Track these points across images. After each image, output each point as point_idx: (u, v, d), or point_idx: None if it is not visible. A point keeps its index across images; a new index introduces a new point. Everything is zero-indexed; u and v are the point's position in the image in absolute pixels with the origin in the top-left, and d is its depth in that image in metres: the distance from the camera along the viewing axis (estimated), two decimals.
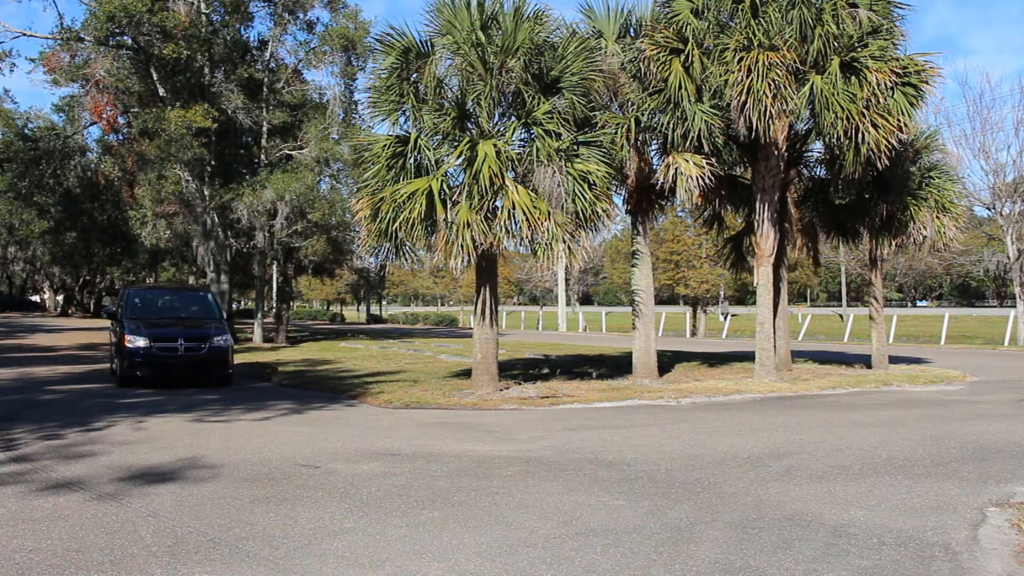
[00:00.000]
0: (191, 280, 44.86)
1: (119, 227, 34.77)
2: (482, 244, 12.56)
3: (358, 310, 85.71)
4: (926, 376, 16.32)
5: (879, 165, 13.92)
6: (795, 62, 13.46)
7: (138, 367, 14.30)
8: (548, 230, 12.48)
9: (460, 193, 12.94)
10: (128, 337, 14.40)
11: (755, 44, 13.21)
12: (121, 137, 31.51)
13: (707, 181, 13.74)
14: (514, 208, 12.58)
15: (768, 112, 12.94)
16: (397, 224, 12.57)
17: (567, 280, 54.03)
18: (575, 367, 17.95)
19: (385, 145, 13.05)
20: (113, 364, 16.00)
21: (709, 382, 14.80)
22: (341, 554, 4.89)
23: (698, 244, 42.88)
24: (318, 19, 31.86)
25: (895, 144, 13.70)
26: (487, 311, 13.57)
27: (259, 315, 31.56)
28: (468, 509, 5.92)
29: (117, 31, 25.53)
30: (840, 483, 6.75)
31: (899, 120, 13.45)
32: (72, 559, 4.78)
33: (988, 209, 31.87)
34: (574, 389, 13.65)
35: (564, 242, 12.58)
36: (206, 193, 27.87)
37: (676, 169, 13.67)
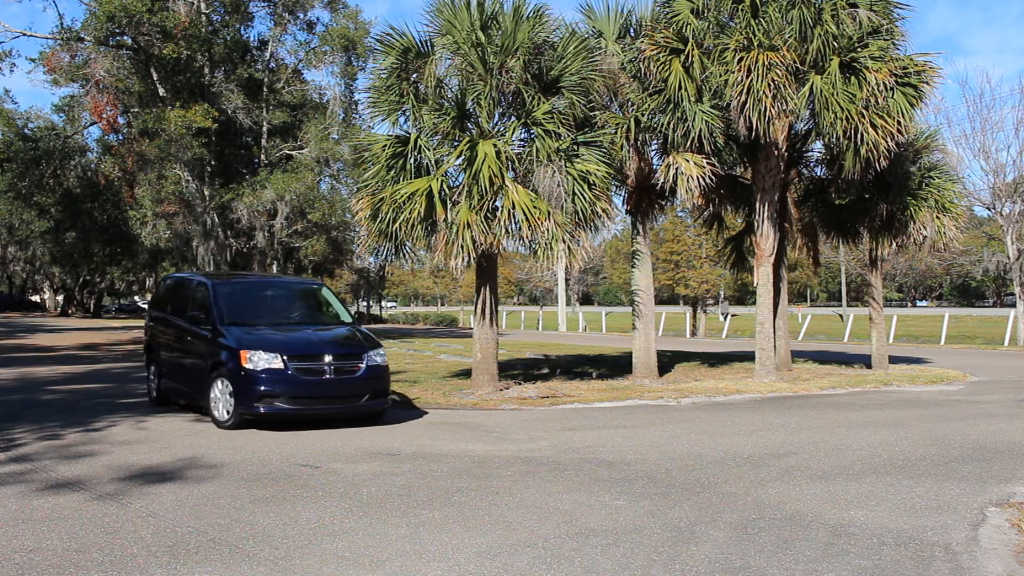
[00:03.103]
0: None
1: (119, 227, 34.76)
2: (482, 244, 12.56)
3: (358, 310, 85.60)
4: (926, 376, 16.32)
5: (879, 165, 13.92)
6: (795, 62, 13.46)
7: (266, 399, 9.47)
8: (548, 230, 12.48)
9: (460, 193, 12.94)
10: (247, 354, 9.58)
11: (755, 44, 13.21)
12: (121, 137, 31.51)
13: (707, 181, 13.73)
14: (514, 208, 12.58)
15: (768, 112, 12.94)
16: (397, 224, 12.57)
17: (567, 280, 54.01)
18: (575, 367, 17.94)
19: (385, 145, 13.05)
20: (154, 382, 11.99)
21: (709, 382, 14.80)
22: (341, 554, 4.89)
23: (698, 244, 42.88)
24: (318, 19, 31.91)
25: (895, 144, 13.70)
26: (487, 311, 13.57)
27: None
28: (468, 509, 5.92)
29: (117, 31, 25.54)
30: (840, 483, 6.75)
31: (899, 120, 13.45)
32: (72, 559, 4.78)
33: (988, 209, 31.85)
34: (574, 389, 13.64)
35: (564, 242, 12.58)
36: (206, 193, 27.88)
37: (677, 169, 13.66)
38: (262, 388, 9.47)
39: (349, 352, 10.17)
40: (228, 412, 9.69)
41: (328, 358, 9.93)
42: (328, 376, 9.87)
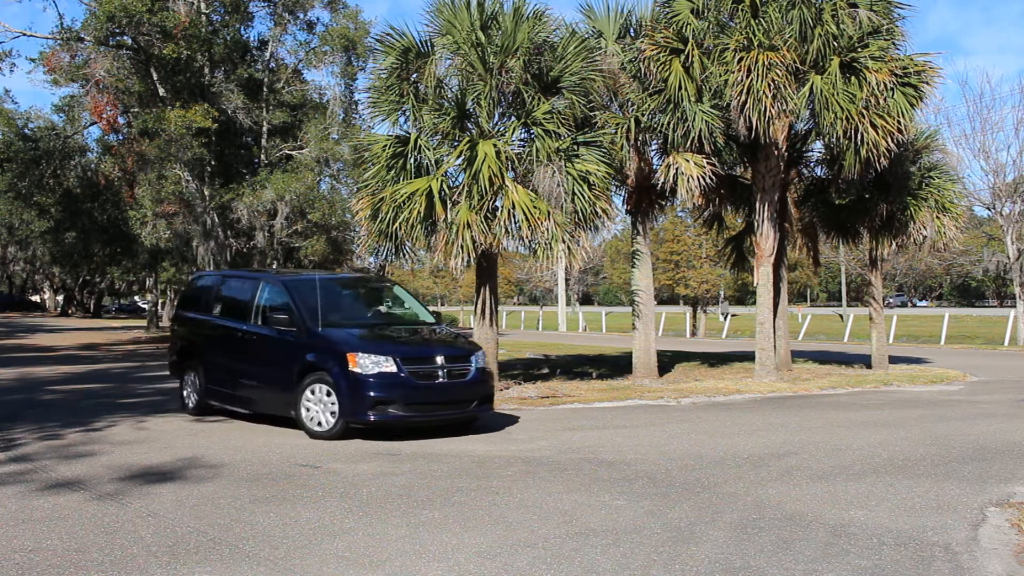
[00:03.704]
0: None
1: (119, 227, 34.72)
2: (482, 244, 12.57)
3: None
4: (926, 376, 16.32)
5: (879, 165, 13.93)
6: (795, 62, 13.46)
7: (379, 406, 8.78)
8: (548, 230, 12.48)
9: (460, 193, 12.94)
10: (356, 357, 8.82)
11: (755, 44, 13.21)
12: (121, 137, 31.49)
13: (707, 181, 13.73)
14: (514, 208, 12.58)
15: (768, 112, 12.95)
16: (397, 224, 12.57)
17: (567, 280, 54.01)
18: (575, 367, 17.94)
19: (385, 145, 13.05)
20: (192, 390, 10.91)
21: (709, 382, 14.80)
22: (341, 554, 4.89)
23: (698, 244, 42.87)
24: (318, 19, 31.87)
25: (895, 144, 13.71)
26: (487, 311, 13.57)
27: None
28: (468, 509, 5.92)
29: (117, 31, 25.52)
30: (840, 483, 6.75)
31: (899, 120, 13.46)
32: (72, 559, 4.78)
33: (988, 209, 31.85)
34: (574, 389, 13.64)
35: (564, 242, 12.59)
36: (206, 193, 27.87)
37: (677, 169, 13.67)
38: (374, 394, 8.71)
39: (458, 354, 9.55)
40: (328, 422, 8.87)
41: (440, 360, 9.28)
42: (441, 380, 9.18)
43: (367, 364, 8.79)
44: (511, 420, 10.49)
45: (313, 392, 9.03)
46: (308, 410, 9.07)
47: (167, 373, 17.60)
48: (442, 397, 9.24)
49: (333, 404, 8.86)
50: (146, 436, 9.11)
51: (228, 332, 10.52)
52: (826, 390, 14.06)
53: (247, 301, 10.44)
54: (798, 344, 27.96)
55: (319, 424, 8.96)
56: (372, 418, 8.76)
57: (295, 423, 9.24)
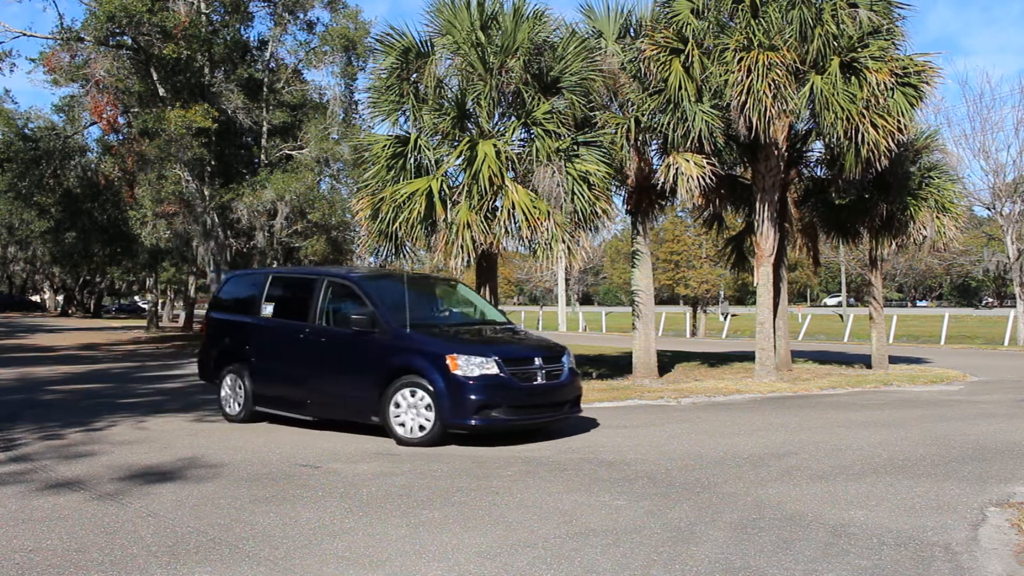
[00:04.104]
0: (191, 280, 44.91)
1: (119, 227, 34.74)
2: (482, 244, 12.57)
3: None
4: (926, 376, 16.32)
5: (879, 165, 13.93)
6: (795, 62, 13.46)
7: (483, 410, 8.39)
8: (548, 230, 12.48)
9: (460, 193, 12.95)
10: (458, 359, 8.42)
11: (755, 44, 13.21)
12: (121, 137, 31.49)
13: (707, 181, 13.74)
14: (514, 208, 12.58)
15: (768, 112, 12.95)
16: (397, 224, 12.58)
17: (567, 280, 54.02)
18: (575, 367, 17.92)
19: (385, 145, 13.06)
20: (236, 397, 10.20)
21: (709, 382, 14.80)
22: (341, 554, 4.89)
23: (698, 244, 42.89)
24: (318, 19, 31.89)
25: (895, 144, 13.71)
26: None
27: None
28: (468, 509, 5.92)
29: (117, 31, 25.52)
30: (840, 483, 6.75)
31: (899, 120, 13.46)
32: (72, 559, 4.78)
33: (988, 209, 31.87)
34: None
35: (564, 242, 12.59)
36: (206, 193, 27.87)
37: (677, 169, 13.67)
38: (476, 397, 8.30)
39: (552, 355, 9.23)
40: (422, 428, 8.45)
41: (538, 361, 8.96)
42: (540, 381, 8.86)
43: (469, 366, 8.39)
44: None
45: (404, 397, 8.57)
46: (398, 416, 8.59)
47: (167, 373, 17.71)
48: (542, 400, 8.92)
49: (428, 409, 8.42)
50: (146, 436, 9.11)
51: (285, 334, 9.88)
52: (826, 390, 14.06)
53: (307, 300, 9.78)
54: (798, 344, 27.97)
55: (411, 430, 8.50)
56: (474, 423, 8.36)
57: (372, 429, 8.99)
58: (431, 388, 8.41)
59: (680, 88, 13.52)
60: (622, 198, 16.12)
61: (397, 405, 8.60)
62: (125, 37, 26.01)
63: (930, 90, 13.82)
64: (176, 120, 24.59)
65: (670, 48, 13.76)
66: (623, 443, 8.74)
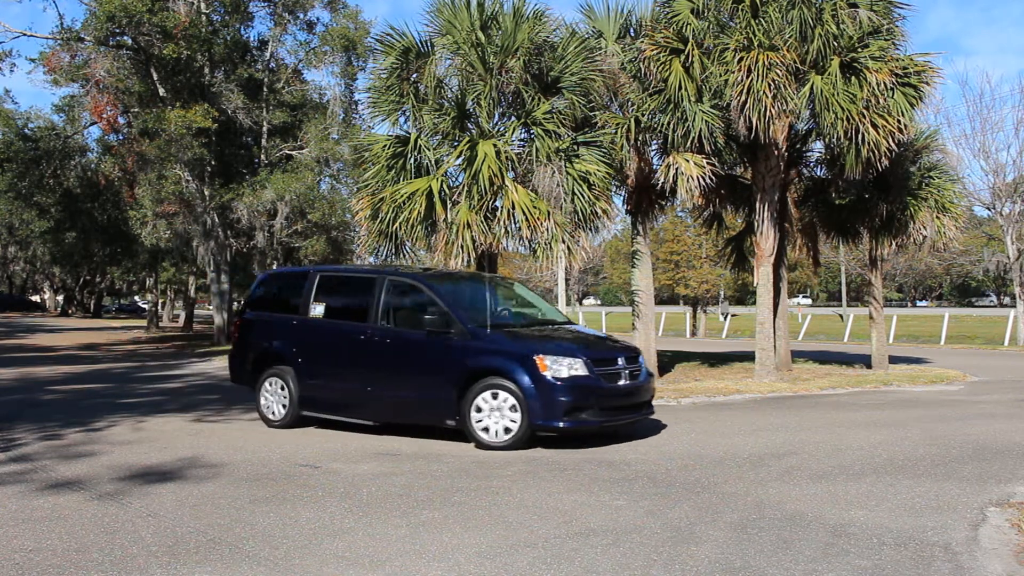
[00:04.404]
0: (191, 280, 44.92)
1: (119, 227, 34.75)
2: (482, 244, 12.58)
3: None
4: (926, 376, 16.32)
5: (879, 165, 13.92)
6: (795, 62, 13.46)
7: (573, 412, 8.25)
8: (548, 230, 12.49)
9: (460, 193, 12.95)
10: (546, 360, 8.26)
11: (755, 44, 13.21)
12: (121, 137, 31.51)
13: (707, 181, 13.74)
14: (514, 208, 12.59)
15: (768, 112, 12.95)
16: (397, 224, 12.58)
17: (567, 280, 53.97)
18: None
19: (385, 145, 13.07)
20: (280, 401, 9.77)
21: (709, 382, 14.80)
22: (341, 554, 4.89)
23: (698, 244, 42.91)
24: (318, 19, 31.92)
25: (895, 144, 13.70)
26: None
27: None
28: (468, 509, 5.92)
29: (117, 31, 25.54)
30: (840, 483, 6.75)
31: (899, 120, 13.46)
32: (72, 559, 4.78)
33: (988, 209, 31.87)
34: None
35: (564, 242, 12.60)
36: (206, 193, 27.88)
37: (677, 169, 13.67)
38: (567, 399, 8.16)
39: (631, 355, 9.08)
40: (507, 430, 8.23)
41: (621, 362, 8.82)
42: (625, 382, 8.73)
43: (558, 367, 8.24)
44: None
45: (487, 399, 8.34)
46: (480, 419, 8.36)
47: (167, 373, 17.72)
48: (625, 401, 8.78)
49: (514, 411, 8.23)
50: (146, 436, 9.11)
51: (339, 335, 9.56)
52: (826, 390, 14.05)
53: (366, 300, 9.44)
54: (798, 344, 27.97)
55: (494, 434, 8.30)
56: (564, 425, 8.21)
57: (439, 432, 8.84)
58: (518, 390, 8.21)
59: (680, 88, 13.52)
60: (622, 198, 16.14)
61: (479, 408, 8.37)
62: (125, 37, 26.03)
63: (930, 90, 13.82)
64: (176, 120, 24.60)
65: (670, 48, 13.76)
66: (623, 443, 8.74)
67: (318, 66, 30.63)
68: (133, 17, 24.09)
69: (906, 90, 13.57)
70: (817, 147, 16.97)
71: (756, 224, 15.20)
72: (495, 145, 12.73)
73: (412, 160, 13.11)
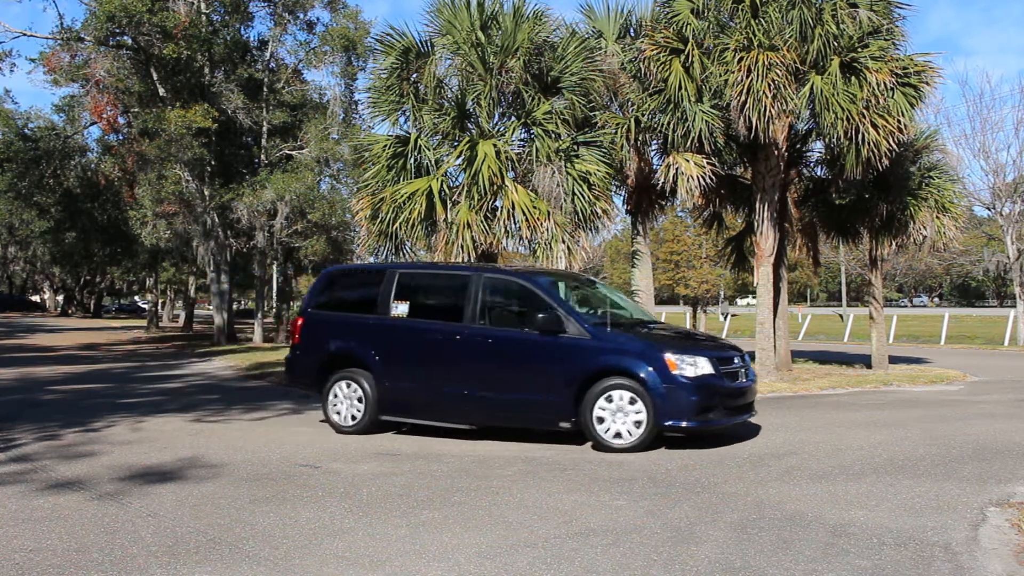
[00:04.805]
0: (191, 280, 44.91)
1: (119, 227, 34.77)
2: (482, 244, 12.58)
3: None
4: (926, 376, 16.32)
5: (879, 165, 13.92)
6: (795, 62, 13.46)
7: (704, 411, 8.20)
8: (548, 230, 12.50)
9: (460, 193, 12.96)
10: (676, 359, 8.13)
11: (755, 44, 13.21)
12: (121, 137, 31.53)
13: (707, 181, 13.75)
14: (514, 208, 12.60)
15: (768, 112, 12.95)
16: (397, 224, 12.59)
17: None
18: None
19: (385, 145, 13.07)
20: (343, 405, 9.38)
21: None
22: (341, 554, 4.89)
23: (698, 244, 42.90)
24: (318, 19, 31.94)
25: (895, 144, 13.71)
26: None
27: (259, 315, 31.59)
28: (468, 509, 5.92)
29: (117, 31, 25.55)
30: (840, 483, 6.75)
31: (899, 120, 13.46)
32: (72, 559, 4.78)
33: (988, 209, 31.87)
34: None
35: (564, 242, 12.60)
36: (206, 193, 27.88)
37: (677, 169, 13.68)
38: (695, 399, 8.06)
39: (741, 355, 8.90)
40: (630, 432, 8.10)
41: (737, 361, 8.69)
42: (742, 382, 8.65)
43: (685, 366, 8.11)
44: None
45: (611, 399, 8.16)
46: (602, 420, 8.16)
47: (167, 373, 17.72)
48: (742, 400, 8.66)
49: (639, 412, 8.07)
50: (146, 436, 9.11)
51: (429, 335, 9.10)
52: (826, 390, 14.05)
53: (460, 300, 9.07)
54: (798, 344, 27.96)
55: (617, 435, 8.13)
56: (693, 425, 8.14)
57: (546, 436, 8.71)
58: (646, 390, 8.05)
59: (680, 88, 13.53)
60: (622, 198, 16.15)
61: (601, 409, 8.18)
62: (125, 37, 26.03)
63: (930, 90, 13.82)
64: (176, 120, 24.60)
65: (670, 48, 13.76)
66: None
67: (318, 66, 30.65)
68: (133, 17, 24.09)
69: (906, 90, 13.57)
70: (817, 147, 16.98)
71: (756, 224, 15.20)
72: (495, 145, 12.73)
73: (412, 160, 13.12)
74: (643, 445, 8.08)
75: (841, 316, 46.20)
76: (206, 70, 27.71)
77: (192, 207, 27.99)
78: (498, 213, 12.72)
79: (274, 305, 39.07)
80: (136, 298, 78.53)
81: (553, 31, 13.70)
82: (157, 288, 45.44)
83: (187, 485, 6.67)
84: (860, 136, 13.37)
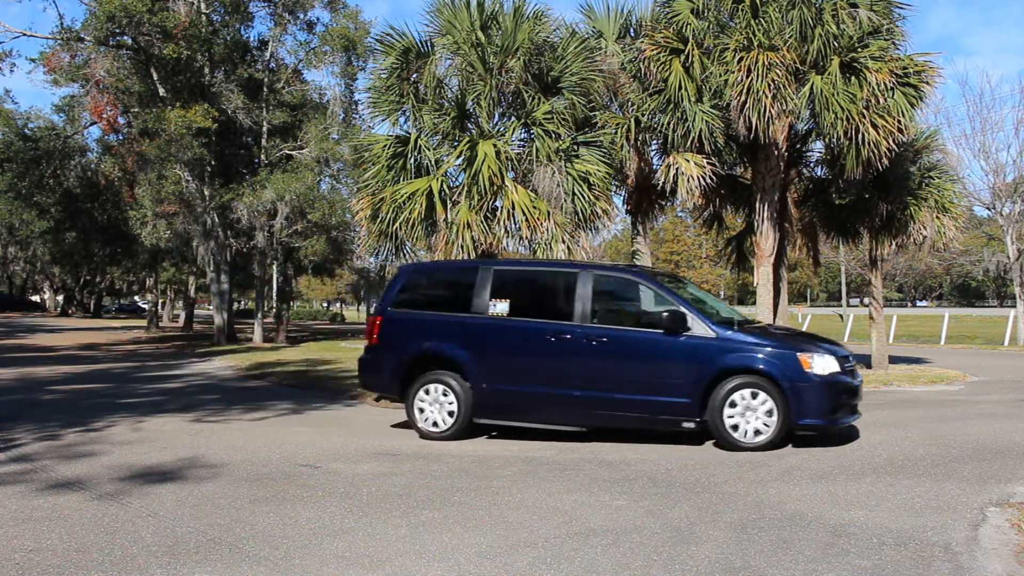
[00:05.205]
0: (191, 280, 44.90)
1: (119, 227, 34.77)
2: (482, 244, 12.58)
3: (358, 310, 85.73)
4: (926, 376, 16.31)
5: (879, 165, 13.93)
6: (795, 62, 13.47)
7: (840, 410, 8.27)
8: (548, 230, 12.49)
9: (460, 193, 12.96)
10: (809, 358, 8.13)
11: (755, 44, 13.21)
12: (121, 137, 31.53)
13: (708, 181, 13.75)
14: (514, 208, 12.59)
15: (768, 112, 12.95)
16: (397, 224, 12.59)
17: None
18: None
19: (385, 145, 13.07)
20: (432, 408, 9.03)
21: None
22: (341, 554, 4.89)
23: (698, 244, 42.92)
24: (318, 19, 31.95)
25: (895, 144, 13.71)
26: None
27: (259, 315, 31.60)
28: (468, 509, 5.92)
29: (117, 31, 25.56)
30: (840, 483, 6.75)
31: (899, 120, 13.47)
32: (72, 559, 4.78)
33: (988, 209, 31.88)
34: None
35: (564, 242, 12.60)
36: (206, 193, 27.89)
37: (677, 169, 13.68)
38: (829, 397, 8.08)
39: (851, 353, 8.89)
40: (758, 431, 8.10)
41: (851, 359, 8.69)
42: (858, 380, 8.63)
43: (819, 365, 8.10)
44: None
45: (742, 398, 8.11)
46: (732, 419, 8.11)
47: (167, 373, 17.71)
48: (859, 399, 8.69)
49: (769, 411, 8.06)
50: (146, 436, 9.11)
51: (533, 334, 8.79)
52: None
53: (564, 297, 8.84)
54: None
55: (743, 434, 8.11)
56: (826, 423, 8.18)
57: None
58: (778, 389, 8.02)
59: (680, 88, 13.53)
60: (622, 198, 16.15)
61: (732, 407, 8.12)
62: (125, 37, 26.04)
63: (930, 90, 13.82)
64: (176, 120, 24.61)
65: (670, 48, 13.76)
66: (623, 443, 8.74)
67: (318, 66, 30.66)
68: (133, 17, 24.10)
69: (906, 90, 13.57)
70: (817, 147, 16.99)
71: (756, 224, 15.20)
72: (495, 145, 12.73)
73: (412, 160, 13.12)
74: (774, 443, 8.07)
75: (841, 316, 46.21)
76: (206, 70, 27.71)
77: (192, 207, 28.00)
78: (498, 213, 12.73)
79: (274, 305, 39.07)
80: (136, 298, 78.55)
81: (553, 31, 13.70)
82: (157, 288, 45.44)
83: (187, 485, 6.67)
84: (860, 136, 13.37)
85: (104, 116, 28.91)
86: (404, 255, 13.77)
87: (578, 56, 13.29)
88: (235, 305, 49.60)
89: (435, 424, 8.97)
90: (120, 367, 19.30)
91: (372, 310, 10.12)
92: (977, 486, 6.64)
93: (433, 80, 13.22)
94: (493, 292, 9.07)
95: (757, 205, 15.09)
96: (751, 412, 8.12)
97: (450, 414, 8.92)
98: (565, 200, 12.67)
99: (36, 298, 78.52)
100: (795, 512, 5.83)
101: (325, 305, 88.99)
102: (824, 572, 4.58)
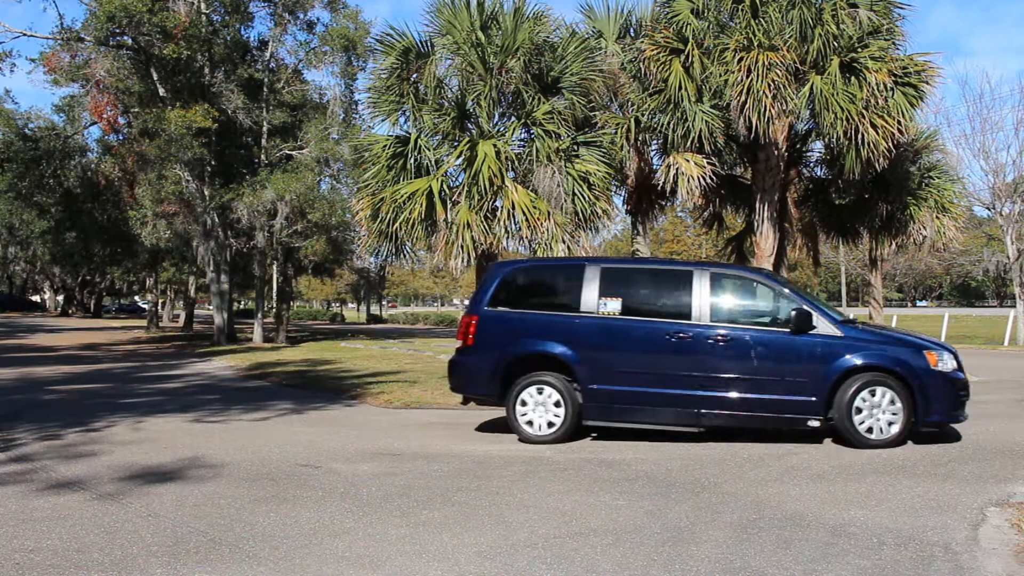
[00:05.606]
0: (191, 280, 44.90)
1: (119, 227, 34.77)
2: (482, 244, 12.58)
3: (358, 310, 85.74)
4: None
5: (879, 165, 13.92)
6: (795, 62, 13.46)
7: (958, 406, 8.34)
8: (548, 230, 12.50)
9: (460, 193, 12.96)
10: (936, 355, 8.30)
11: (755, 44, 13.21)
12: (121, 137, 31.54)
13: (708, 181, 13.75)
14: (514, 208, 12.60)
15: (768, 112, 12.95)
16: (397, 224, 12.59)
17: None
18: None
19: (385, 145, 13.07)
20: (537, 411, 8.77)
21: None
22: (341, 554, 4.89)
23: (698, 244, 42.89)
24: (318, 19, 31.93)
25: (895, 144, 13.70)
26: None
27: (259, 315, 31.61)
28: (468, 509, 5.92)
29: (117, 31, 25.56)
30: (840, 483, 6.75)
31: (899, 120, 13.46)
32: (72, 559, 4.78)
33: (988, 209, 31.85)
34: None
35: (564, 242, 12.60)
36: (206, 193, 27.89)
37: (677, 169, 13.68)
38: (955, 393, 8.24)
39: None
40: (882, 429, 8.17)
41: (959, 357, 8.72)
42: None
43: (942, 362, 8.23)
44: None
45: (873, 394, 8.16)
46: (860, 418, 8.16)
47: (167, 373, 17.71)
48: (969, 395, 8.67)
49: (894, 409, 8.13)
50: (146, 436, 9.12)
51: (649, 335, 8.65)
52: None
53: (680, 296, 8.75)
54: None
55: (872, 431, 8.18)
56: (946, 420, 8.29)
57: (791, 436, 8.63)
58: (906, 386, 8.10)
59: (680, 88, 13.52)
60: (622, 198, 16.15)
61: (862, 403, 8.17)
62: (125, 37, 26.04)
63: (930, 90, 13.81)
64: (176, 120, 24.61)
65: (670, 48, 13.76)
66: (623, 443, 8.74)
67: (318, 66, 30.67)
68: (133, 17, 24.10)
69: (906, 90, 13.57)
70: (817, 147, 16.97)
71: (756, 224, 15.20)
72: (495, 145, 12.73)
73: (412, 160, 13.11)
74: (899, 441, 8.16)
75: None
76: (206, 70, 27.71)
77: (192, 207, 28.00)
78: (498, 213, 12.73)
79: (274, 305, 39.06)
80: (136, 298, 78.55)
81: (553, 31, 13.70)
82: (157, 288, 45.45)
83: (187, 485, 6.68)
84: (860, 136, 13.37)
85: (104, 116, 28.91)
86: (404, 255, 13.78)
87: (578, 56, 13.30)
88: (235, 305, 49.59)
89: (540, 427, 8.73)
90: (120, 367, 19.30)
91: (465, 310, 9.71)
92: (977, 486, 6.64)
93: (433, 80, 13.22)
94: (602, 291, 8.88)
95: (757, 205, 15.09)
96: (878, 409, 8.17)
97: (557, 416, 8.70)
98: (565, 200, 12.67)
99: (36, 298, 78.56)
100: (795, 512, 5.83)
101: (325, 305, 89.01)
102: (824, 572, 4.59)
